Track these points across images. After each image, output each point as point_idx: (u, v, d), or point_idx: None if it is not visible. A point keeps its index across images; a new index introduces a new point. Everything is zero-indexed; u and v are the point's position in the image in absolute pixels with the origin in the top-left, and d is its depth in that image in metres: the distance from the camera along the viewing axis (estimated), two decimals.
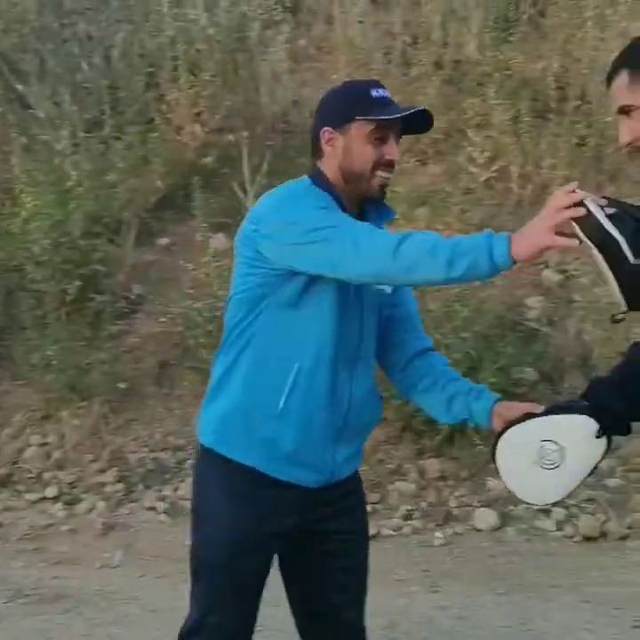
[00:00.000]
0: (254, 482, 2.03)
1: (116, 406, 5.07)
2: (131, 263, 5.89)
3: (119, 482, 4.63)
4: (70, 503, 4.49)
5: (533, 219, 1.75)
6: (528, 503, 2.10)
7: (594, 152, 6.17)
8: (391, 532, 4.21)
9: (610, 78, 1.84)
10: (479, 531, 4.20)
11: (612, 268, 1.67)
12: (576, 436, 1.87)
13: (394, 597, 3.63)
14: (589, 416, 1.88)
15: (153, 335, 5.51)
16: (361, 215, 2.07)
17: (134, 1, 8.14)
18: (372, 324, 2.11)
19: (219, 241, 5.98)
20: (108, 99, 7.11)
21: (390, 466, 4.63)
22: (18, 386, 5.21)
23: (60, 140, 6.55)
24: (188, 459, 4.78)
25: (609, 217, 1.66)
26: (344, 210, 2.02)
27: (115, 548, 4.09)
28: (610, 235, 1.65)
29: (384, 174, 2.03)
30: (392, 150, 2.03)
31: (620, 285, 1.67)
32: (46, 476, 4.69)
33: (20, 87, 7.07)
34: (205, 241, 5.59)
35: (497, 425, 1.99)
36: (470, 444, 4.65)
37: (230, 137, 6.97)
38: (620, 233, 1.65)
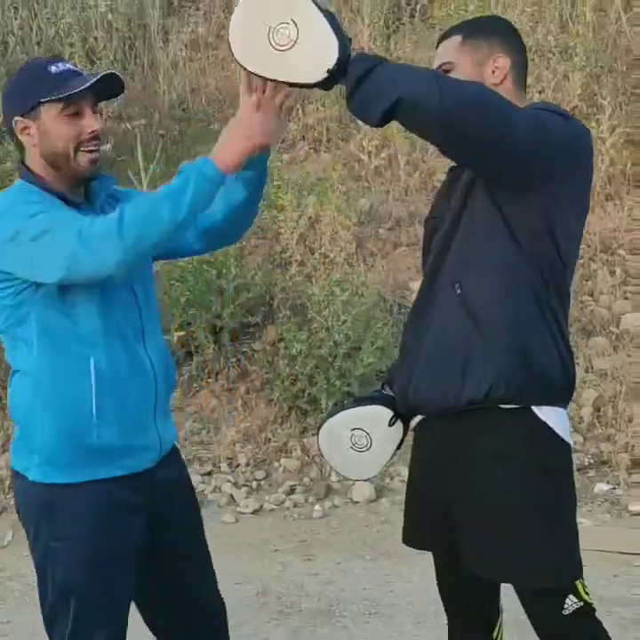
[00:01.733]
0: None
1: None
2: None
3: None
4: None
5: (230, 125, 1.93)
6: (352, 479, 2.37)
7: None
8: (273, 507, 4.44)
9: (441, 39, 2.06)
10: (356, 503, 4.46)
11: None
12: (378, 423, 2.16)
13: (268, 566, 3.87)
14: (385, 406, 2.16)
15: None
16: (87, 195, 2.04)
17: None
18: (147, 287, 2.13)
19: None
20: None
21: (276, 444, 4.85)
22: None
23: None
24: None
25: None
26: (65, 199, 1.98)
27: (4, 528, 4.23)
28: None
29: (91, 147, 1.98)
30: (91, 122, 1.96)
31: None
32: None
33: None
34: None
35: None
36: None
37: (127, 125, 7.08)
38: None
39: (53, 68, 1.97)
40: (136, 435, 2.06)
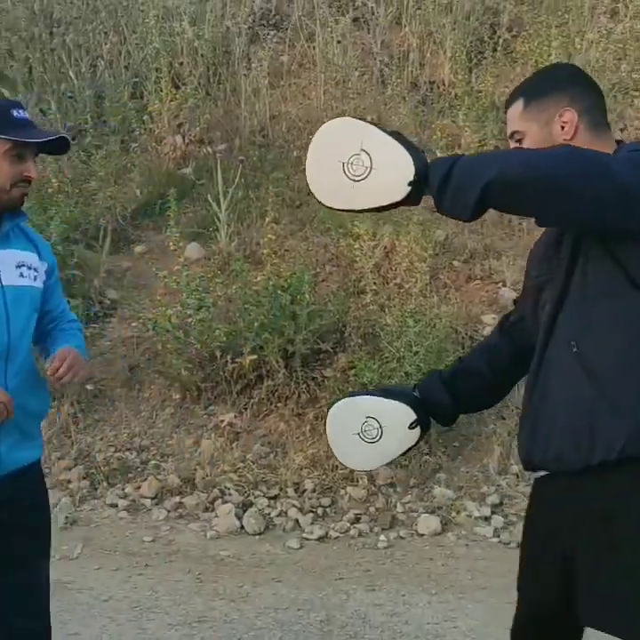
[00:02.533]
0: None
1: (84, 407, 5.29)
2: (106, 269, 6.11)
3: (84, 479, 4.84)
4: None
5: None
6: (340, 461, 2.28)
7: None
8: (338, 534, 4.44)
9: (508, 104, 2.07)
10: (421, 535, 4.44)
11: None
12: (396, 420, 2.11)
13: (333, 594, 3.87)
14: (411, 407, 2.13)
15: (124, 339, 5.73)
16: None
17: (122, 12, 8.38)
18: (22, 318, 2.32)
19: (191, 250, 6.23)
20: (93, 108, 7.36)
21: (343, 471, 4.85)
22: None
23: None
24: (152, 459, 5.01)
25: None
26: None
27: (75, 541, 4.30)
28: None
29: (23, 187, 2.28)
30: (31, 169, 2.26)
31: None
32: None
33: (7, 93, 7.29)
34: (178, 250, 5.81)
35: None
36: (419, 454, 4.90)
37: (208, 149, 7.21)
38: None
39: (15, 113, 2.24)
40: None
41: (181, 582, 3.96)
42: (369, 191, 1.77)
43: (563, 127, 1.98)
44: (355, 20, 8.40)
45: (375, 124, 1.79)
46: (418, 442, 2.18)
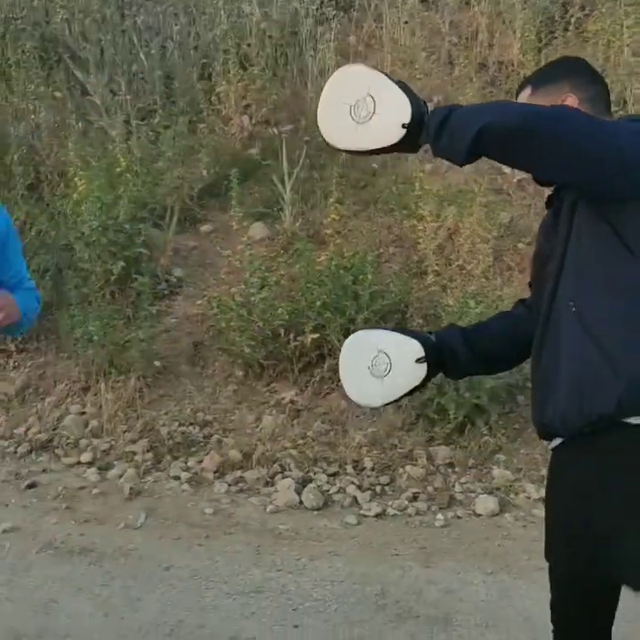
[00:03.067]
0: None
1: (150, 382, 5.41)
2: (173, 247, 6.22)
3: (148, 451, 4.96)
4: (103, 469, 4.83)
5: None
6: (349, 396, 2.29)
7: None
8: (396, 512, 4.48)
9: (519, 90, 2.18)
10: (479, 515, 4.45)
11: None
12: (406, 356, 2.15)
13: (389, 569, 3.92)
14: (423, 346, 2.15)
15: (189, 317, 5.84)
16: None
17: None
18: None
19: (256, 230, 6.30)
20: (162, 89, 7.47)
21: (402, 450, 4.90)
22: (61, 358, 5.58)
23: (114, 126, 6.93)
24: (214, 434, 5.11)
25: None
26: None
27: (139, 511, 4.42)
28: None
29: None
30: None
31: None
32: (83, 442, 5.04)
33: (79, 75, 7.44)
34: (242, 229, 5.89)
35: None
36: (479, 434, 4.91)
37: (275, 130, 7.26)
38: None
39: None
40: None
41: (240, 553, 4.05)
42: (370, 133, 1.87)
43: None
44: (423, 0, 8.35)
45: (385, 73, 1.88)
46: (424, 383, 2.20)
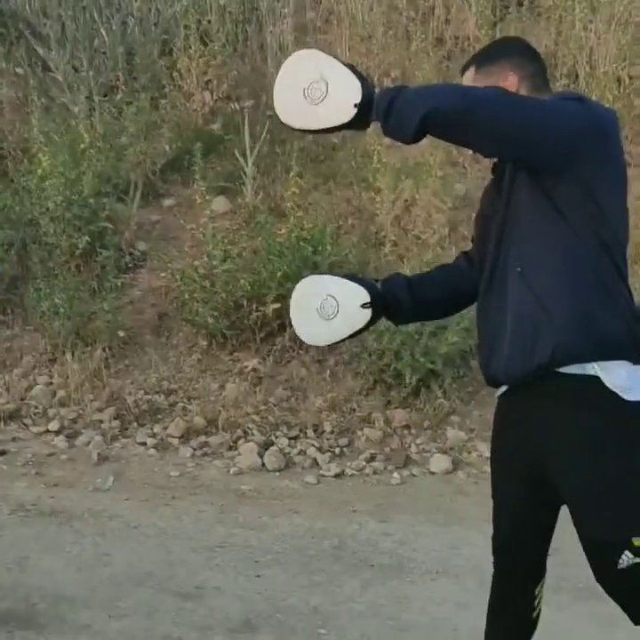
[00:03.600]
0: None
1: (116, 352, 5.55)
2: (136, 222, 6.35)
3: (115, 419, 5.11)
4: (71, 437, 4.98)
5: None
6: (298, 335, 2.48)
7: None
8: (354, 472, 4.69)
9: (463, 69, 2.34)
10: (433, 474, 4.68)
11: None
12: (352, 301, 2.31)
13: (347, 524, 4.14)
14: (368, 292, 2.32)
15: (153, 289, 5.98)
16: None
17: None
18: None
19: (218, 203, 6.44)
20: (123, 65, 7.55)
21: (360, 414, 5.10)
22: (28, 331, 5.71)
23: (76, 102, 7.01)
24: (179, 402, 5.28)
25: None
26: None
27: (107, 474, 4.59)
28: None
29: None
30: None
31: None
32: (51, 412, 5.18)
33: (41, 51, 7.50)
34: (205, 203, 6.03)
35: None
36: (434, 398, 5.13)
37: (236, 105, 7.38)
38: None
39: None
40: None
41: (205, 512, 4.24)
42: (323, 114, 2.02)
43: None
44: None
45: (335, 57, 2.05)
46: (367, 326, 2.35)
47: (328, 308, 2.31)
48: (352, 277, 2.40)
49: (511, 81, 2.22)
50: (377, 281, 2.42)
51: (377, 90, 2.05)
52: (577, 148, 2.05)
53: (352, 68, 2.04)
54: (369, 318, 2.33)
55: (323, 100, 2.02)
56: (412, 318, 2.59)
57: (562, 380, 2.12)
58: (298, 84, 2.03)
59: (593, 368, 2.08)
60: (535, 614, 2.39)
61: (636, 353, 2.12)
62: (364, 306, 2.31)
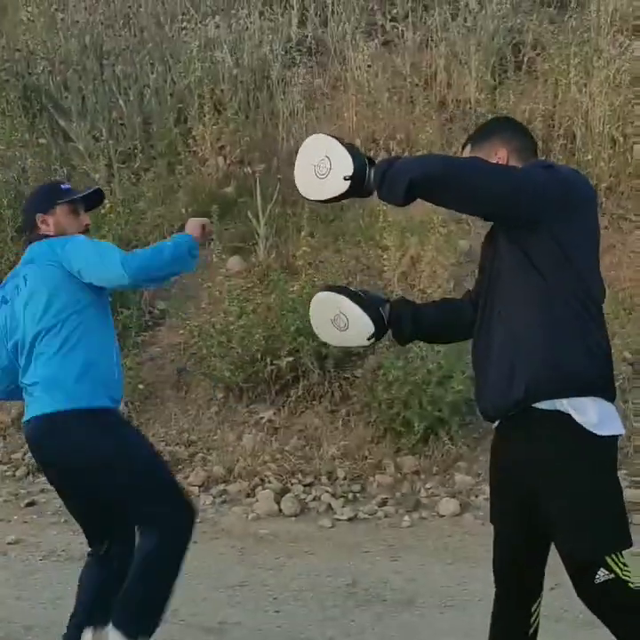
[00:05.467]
0: None
1: (138, 406, 5.84)
2: None
3: None
4: None
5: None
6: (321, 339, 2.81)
7: None
8: (367, 516, 4.93)
9: (463, 147, 2.71)
10: (442, 516, 4.90)
11: None
12: (359, 330, 2.61)
13: (360, 563, 4.36)
14: (374, 324, 2.59)
15: (172, 345, 6.28)
16: None
17: (167, 43, 8.97)
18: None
19: (233, 263, 6.76)
20: (141, 133, 7.96)
21: (372, 461, 5.35)
22: None
23: (97, 170, 7.39)
24: (199, 452, 5.53)
25: None
26: None
27: None
28: None
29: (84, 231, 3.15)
30: (85, 219, 3.18)
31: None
32: None
33: (62, 123, 7.92)
34: (220, 262, 6.35)
35: None
36: (441, 444, 5.36)
37: (248, 169, 7.74)
38: None
39: (63, 187, 3.22)
40: None
41: (225, 555, 4.48)
42: (329, 186, 2.40)
43: (497, 162, 2.53)
44: (385, 43, 8.88)
45: (338, 139, 2.43)
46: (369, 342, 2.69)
47: (340, 321, 2.63)
48: (362, 299, 2.63)
49: (501, 154, 2.55)
50: (387, 301, 2.69)
51: (377, 160, 2.39)
52: (543, 208, 2.35)
53: (350, 146, 2.40)
54: (373, 342, 2.67)
55: (327, 175, 2.38)
56: (412, 340, 2.85)
57: (537, 415, 2.40)
58: (309, 163, 2.42)
59: (562, 404, 2.35)
60: (532, 631, 2.62)
61: (607, 391, 2.40)
62: (369, 338, 2.62)
